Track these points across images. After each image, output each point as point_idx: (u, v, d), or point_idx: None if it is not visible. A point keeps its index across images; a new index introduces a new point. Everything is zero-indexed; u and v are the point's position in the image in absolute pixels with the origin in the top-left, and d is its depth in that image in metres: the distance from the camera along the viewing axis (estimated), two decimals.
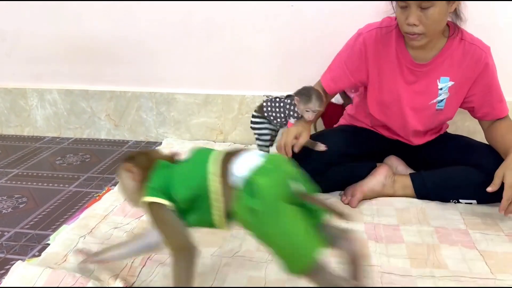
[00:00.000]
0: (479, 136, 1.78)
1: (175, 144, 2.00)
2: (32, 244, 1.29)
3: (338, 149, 1.46)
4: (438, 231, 1.27)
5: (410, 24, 1.25)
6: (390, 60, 1.41)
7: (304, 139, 1.37)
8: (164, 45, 1.97)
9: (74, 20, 2.00)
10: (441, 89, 1.39)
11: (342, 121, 1.71)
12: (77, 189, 1.65)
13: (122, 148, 2.04)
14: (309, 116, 1.44)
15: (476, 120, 1.78)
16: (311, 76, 1.81)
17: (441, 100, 1.41)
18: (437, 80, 1.39)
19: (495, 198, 1.36)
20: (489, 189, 1.26)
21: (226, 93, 1.99)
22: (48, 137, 2.21)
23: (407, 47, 1.39)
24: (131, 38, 1.98)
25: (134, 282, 1.09)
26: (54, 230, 1.35)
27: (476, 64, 1.36)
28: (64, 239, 1.26)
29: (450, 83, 1.39)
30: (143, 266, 1.14)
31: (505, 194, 1.24)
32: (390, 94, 1.43)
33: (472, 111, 1.48)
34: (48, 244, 1.26)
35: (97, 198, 1.53)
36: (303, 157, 1.46)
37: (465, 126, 1.77)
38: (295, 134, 1.37)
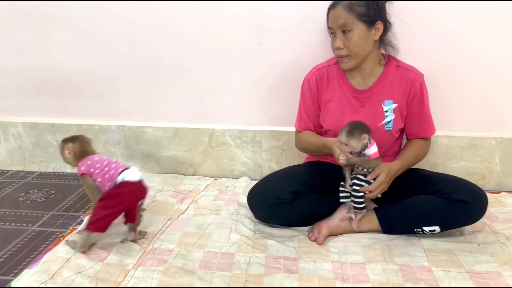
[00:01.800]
0: (441, 169, 1.85)
1: (144, 178, 1.97)
2: None
3: (303, 179, 1.54)
4: (403, 269, 1.30)
5: (336, 47, 1.45)
6: (335, 92, 1.56)
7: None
8: (133, 79, 1.96)
9: (40, 53, 1.98)
10: (386, 111, 1.51)
11: (307, 159, 1.74)
12: (41, 228, 1.60)
13: None
14: (343, 149, 1.38)
15: (438, 155, 1.85)
16: (280, 111, 1.85)
17: (389, 122, 1.52)
18: (382, 104, 1.51)
19: (456, 223, 1.46)
20: (369, 177, 1.41)
21: (196, 126, 2.00)
22: (11, 170, 2.15)
23: (347, 77, 1.55)
24: (99, 72, 1.97)
25: None
26: (16, 275, 1.30)
27: (413, 86, 1.50)
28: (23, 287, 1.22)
29: (394, 105, 1.51)
30: None
31: (373, 185, 1.40)
32: (340, 121, 1.50)
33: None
34: None
35: (61, 238, 1.49)
36: (270, 185, 1.51)
37: (428, 160, 1.82)
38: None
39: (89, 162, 1.42)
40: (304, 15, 1.75)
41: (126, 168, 1.43)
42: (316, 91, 1.59)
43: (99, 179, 1.40)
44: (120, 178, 1.38)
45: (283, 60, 1.84)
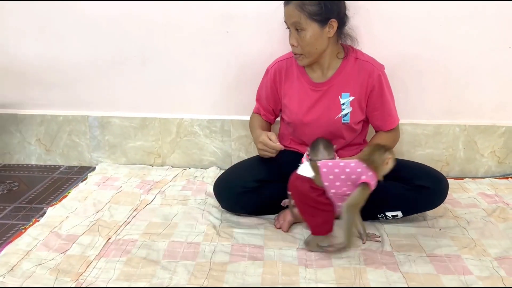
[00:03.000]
0: (406, 156, 1.88)
1: (110, 169, 1.94)
2: None
3: (268, 167, 1.54)
4: (365, 254, 1.32)
5: (291, 44, 1.45)
6: (294, 84, 1.56)
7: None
8: (97, 69, 1.92)
9: (2, 42, 1.91)
10: (343, 104, 1.51)
11: None
12: (2, 221, 1.56)
13: (53, 174, 1.95)
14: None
15: (403, 142, 1.88)
16: (249, 100, 1.84)
17: (346, 114, 1.52)
18: (339, 96, 1.51)
19: (418, 208, 1.48)
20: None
21: (164, 116, 1.97)
22: None
23: (306, 70, 1.54)
24: (61, 61, 1.92)
25: None
26: None
27: (369, 79, 1.49)
28: None
29: (351, 98, 1.51)
30: None
31: None
32: (299, 114, 1.53)
33: (367, 120, 1.61)
34: None
35: (23, 230, 1.46)
36: (235, 175, 1.52)
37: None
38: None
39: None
40: (272, 3, 1.73)
41: None
42: (273, 83, 1.59)
43: None
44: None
45: (251, 48, 1.83)
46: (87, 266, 1.25)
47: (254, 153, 1.93)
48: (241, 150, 1.99)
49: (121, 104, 1.98)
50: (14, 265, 1.25)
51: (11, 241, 1.39)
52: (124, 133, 1.99)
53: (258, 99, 1.70)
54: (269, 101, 1.64)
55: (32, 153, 2.06)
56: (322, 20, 1.39)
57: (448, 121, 1.88)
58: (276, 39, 1.76)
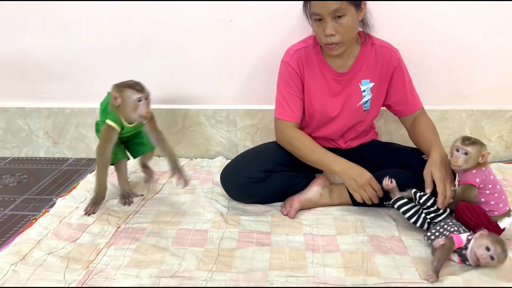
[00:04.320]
0: (412, 144, 1.87)
1: None
2: None
3: (275, 157, 1.54)
4: (373, 239, 1.32)
5: (327, 35, 1.34)
6: (316, 76, 1.49)
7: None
8: (102, 60, 1.92)
9: (6, 36, 1.92)
10: (364, 91, 1.49)
11: None
12: (13, 212, 1.58)
13: (61, 166, 1.97)
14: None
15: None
16: (254, 89, 1.84)
17: (366, 101, 1.51)
18: (359, 84, 1.48)
19: None
20: (427, 190, 1.31)
21: (170, 107, 1.98)
22: None
23: (327, 60, 1.48)
24: (67, 53, 1.92)
25: None
26: None
27: (389, 63, 1.47)
28: None
29: (371, 84, 1.49)
30: None
31: (439, 189, 1.29)
32: (321, 105, 1.51)
33: (389, 108, 1.59)
34: None
35: (33, 221, 1.48)
36: (241, 165, 1.51)
37: (399, 134, 1.84)
38: None
39: (484, 177, 1.27)
40: None
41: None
42: (298, 72, 1.49)
43: (482, 199, 1.29)
44: (503, 223, 1.27)
45: (255, 37, 1.82)
46: (97, 254, 1.27)
47: (260, 142, 1.94)
48: (247, 140, 1.99)
49: None
50: (26, 254, 1.27)
51: (22, 231, 1.41)
52: None
53: (287, 101, 1.51)
54: (302, 94, 1.52)
55: (40, 146, 2.08)
56: (358, 3, 1.35)
57: (455, 107, 1.87)
58: (281, 28, 1.76)
